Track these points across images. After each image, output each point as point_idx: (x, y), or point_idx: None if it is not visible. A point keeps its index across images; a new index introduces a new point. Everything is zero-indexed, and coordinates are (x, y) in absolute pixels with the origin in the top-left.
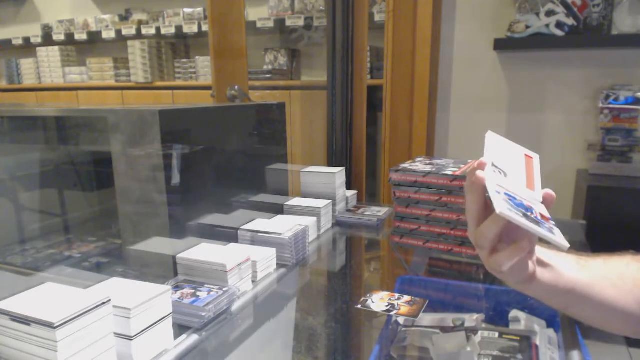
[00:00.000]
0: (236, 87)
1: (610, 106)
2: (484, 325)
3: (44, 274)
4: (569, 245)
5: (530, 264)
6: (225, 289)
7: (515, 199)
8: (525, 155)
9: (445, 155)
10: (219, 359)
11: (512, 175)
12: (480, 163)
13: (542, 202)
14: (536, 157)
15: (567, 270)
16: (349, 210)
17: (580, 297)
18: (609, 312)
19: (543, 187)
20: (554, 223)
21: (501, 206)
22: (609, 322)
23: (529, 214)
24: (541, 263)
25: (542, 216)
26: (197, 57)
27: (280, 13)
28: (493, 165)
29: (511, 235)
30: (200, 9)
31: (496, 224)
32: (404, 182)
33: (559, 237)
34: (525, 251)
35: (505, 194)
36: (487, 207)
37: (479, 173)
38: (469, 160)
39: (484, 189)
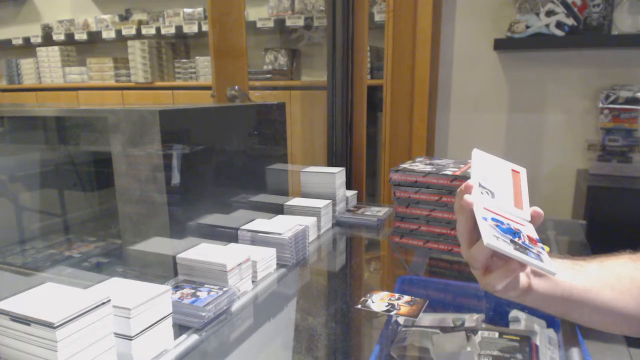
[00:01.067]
0: (236, 87)
1: (610, 106)
2: (484, 325)
3: (44, 274)
4: (556, 272)
5: (524, 277)
6: (225, 289)
7: (502, 223)
8: (512, 170)
9: (445, 155)
10: (218, 359)
11: (499, 195)
12: (467, 186)
13: (531, 220)
14: (523, 172)
15: (563, 277)
16: (349, 210)
17: (578, 303)
18: (608, 314)
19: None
20: (542, 246)
21: (488, 236)
22: (608, 324)
23: (516, 239)
24: (536, 273)
25: (530, 239)
26: (197, 57)
27: (280, 13)
28: (480, 185)
29: (503, 255)
30: (200, 9)
31: (486, 248)
32: (404, 182)
33: (546, 263)
34: (516, 272)
35: (493, 219)
36: (477, 227)
37: (466, 197)
38: (469, 161)
39: (473, 212)
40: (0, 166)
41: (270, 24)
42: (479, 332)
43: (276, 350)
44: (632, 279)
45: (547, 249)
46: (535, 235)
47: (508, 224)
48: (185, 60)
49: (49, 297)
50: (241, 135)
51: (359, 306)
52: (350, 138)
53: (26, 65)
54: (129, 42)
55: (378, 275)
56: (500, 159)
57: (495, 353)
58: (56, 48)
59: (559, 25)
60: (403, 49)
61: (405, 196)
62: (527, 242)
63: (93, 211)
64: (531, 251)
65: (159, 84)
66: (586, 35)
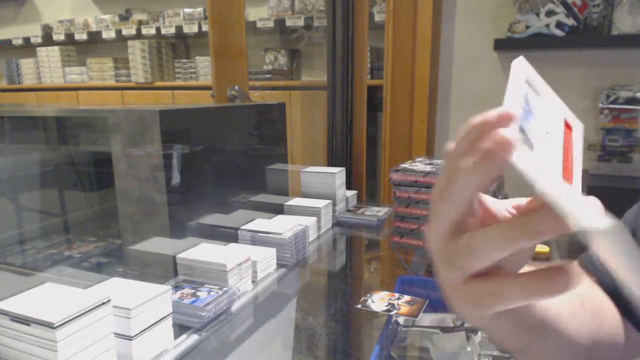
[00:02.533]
0: (236, 87)
1: (610, 106)
2: None
3: (44, 274)
4: None
5: None
6: (225, 289)
7: None
8: (565, 121)
9: None
10: (218, 359)
11: (540, 150)
12: (504, 116)
13: None
14: (578, 128)
15: None
16: (349, 210)
17: (545, 333)
18: (565, 349)
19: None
20: None
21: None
22: None
23: None
24: None
25: None
26: (197, 57)
27: (280, 13)
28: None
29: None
30: (200, 9)
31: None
32: (404, 182)
33: None
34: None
35: None
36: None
37: (505, 134)
38: None
39: (502, 167)
40: (1, 166)
41: (270, 24)
42: (479, 332)
43: (276, 350)
44: (595, 306)
45: (547, 249)
46: None
47: None
48: (185, 60)
49: (48, 297)
50: (241, 135)
51: (359, 306)
52: (350, 138)
53: (26, 65)
54: (129, 42)
55: (378, 275)
56: (555, 95)
57: (495, 353)
58: (56, 48)
59: (559, 25)
60: (403, 49)
61: (405, 196)
62: None
63: (93, 211)
64: None
65: (159, 84)
66: (586, 36)
